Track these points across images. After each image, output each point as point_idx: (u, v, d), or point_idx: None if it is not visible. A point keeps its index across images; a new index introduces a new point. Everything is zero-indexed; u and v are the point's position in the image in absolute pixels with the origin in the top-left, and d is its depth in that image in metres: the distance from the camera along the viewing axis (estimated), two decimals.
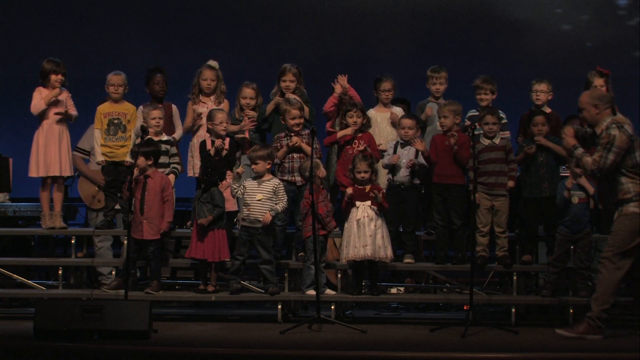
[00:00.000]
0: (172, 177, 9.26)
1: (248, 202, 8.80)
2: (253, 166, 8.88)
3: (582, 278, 8.76)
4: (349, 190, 8.78)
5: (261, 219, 8.74)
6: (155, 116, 9.24)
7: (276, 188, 8.84)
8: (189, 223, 9.42)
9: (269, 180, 8.85)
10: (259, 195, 8.80)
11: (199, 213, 8.87)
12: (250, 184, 8.85)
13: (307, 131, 9.15)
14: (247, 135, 9.49)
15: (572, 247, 8.71)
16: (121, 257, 9.36)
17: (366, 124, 9.32)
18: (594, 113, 7.87)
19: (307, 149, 9.06)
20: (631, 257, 7.81)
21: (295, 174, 9.16)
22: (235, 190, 8.81)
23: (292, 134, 9.16)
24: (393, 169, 9.20)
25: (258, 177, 8.86)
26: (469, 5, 12.73)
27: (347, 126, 9.25)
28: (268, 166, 8.86)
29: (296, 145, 9.11)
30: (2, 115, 12.62)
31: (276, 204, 8.80)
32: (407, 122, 9.24)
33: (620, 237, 7.78)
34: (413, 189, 9.21)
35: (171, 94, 9.86)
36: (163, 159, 9.18)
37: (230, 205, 9.14)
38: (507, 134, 9.41)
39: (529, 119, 9.19)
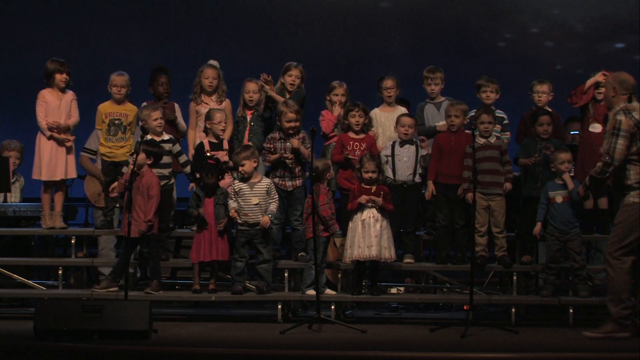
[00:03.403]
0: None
1: (244, 207, 8.78)
2: (240, 168, 8.81)
3: (581, 278, 8.75)
4: (363, 200, 8.69)
5: (260, 222, 8.75)
6: (157, 117, 9.22)
7: (269, 188, 8.84)
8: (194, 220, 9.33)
9: (260, 182, 8.84)
10: (255, 199, 8.79)
11: (217, 216, 8.85)
12: (242, 188, 8.82)
13: (302, 134, 9.10)
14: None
15: (563, 247, 8.69)
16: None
17: (368, 124, 9.31)
18: (611, 95, 7.93)
19: (305, 152, 9.02)
20: (634, 251, 7.73)
21: (286, 179, 9.12)
22: (234, 205, 8.80)
23: (287, 137, 9.10)
24: (394, 167, 9.17)
25: (248, 178, 8.83)
26: (469, 6, 12.73)
27: (349, 126, 9.23)
28: (255, 164, 8.84)
29: (295, 147, 9.04)
30: (4, 115, 12.63)
31: (270, 204, 8.81)
32: (407, 120, 9.19)
33: (621, 229, 7.71)
34: (414, 189, 9.19)
35: (174, 94, 9.86)
36: (165, 159, 9.17)
37: None
38: (507, 134, 9.41)
39: (532, 118, 9.16)
